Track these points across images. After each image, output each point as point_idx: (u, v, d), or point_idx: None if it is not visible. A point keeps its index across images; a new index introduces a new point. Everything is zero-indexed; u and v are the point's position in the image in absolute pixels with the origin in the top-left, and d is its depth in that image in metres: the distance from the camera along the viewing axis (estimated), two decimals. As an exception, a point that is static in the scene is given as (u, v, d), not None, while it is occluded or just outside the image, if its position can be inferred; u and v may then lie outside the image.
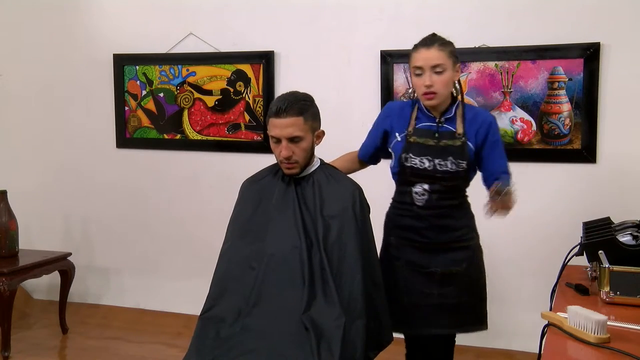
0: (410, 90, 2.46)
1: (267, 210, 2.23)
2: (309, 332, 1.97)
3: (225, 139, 3.93)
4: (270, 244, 2.16)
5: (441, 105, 2.32)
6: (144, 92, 4.10)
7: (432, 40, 2.27)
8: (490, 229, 3.50)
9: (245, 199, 2.31)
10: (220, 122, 3.96)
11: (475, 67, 3.45)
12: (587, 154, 3.31)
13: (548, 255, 2.84)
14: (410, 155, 2.32)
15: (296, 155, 2.18)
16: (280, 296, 2.07)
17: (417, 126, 2.35)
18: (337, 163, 2.49)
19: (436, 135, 2.31)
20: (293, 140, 2.16)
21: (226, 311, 2.11)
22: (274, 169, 2.33)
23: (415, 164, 2.31)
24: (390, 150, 2.43)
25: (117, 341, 3.78)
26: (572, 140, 3.34)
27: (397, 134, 2.38)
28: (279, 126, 2.16)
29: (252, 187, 2.33)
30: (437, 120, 2.34)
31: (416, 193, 2.33)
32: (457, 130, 2.31)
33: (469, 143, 2.31)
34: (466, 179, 2.36)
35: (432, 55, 2.24)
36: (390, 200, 2.48)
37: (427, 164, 2.30)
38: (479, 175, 2.41)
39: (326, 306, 2.03)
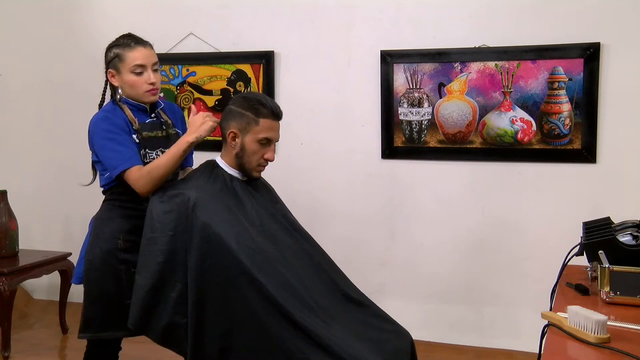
0: (119, 93, 2.31)
1: (246, 214, 2.15)
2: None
3: (225, 139, 3.92)
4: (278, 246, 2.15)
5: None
6: (144, 92, 4.10)
7: (143, 41, 2.31)
8: (490, 229, 3.53)
9: (210, 202, 2.11)
10: (220, 122, 3.95)
11: (475, 67, 3.45)
12: (587, 154, 3.31)
13: (548, 255, 2.84)
14: (147, 150, 2.29)
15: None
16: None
17: (140, 122, 2.30)
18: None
19: (163, 127, 2.36)
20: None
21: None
22: (205, 173, 2.20)
23: (153, 159, 2.27)
24: None
25: (117, 341, 3.78)
26: (572, 140, 3.34)
27: (133, 136, 2.29)
28: (278, 130, 2.19)
29: (205, 192, 2.14)
30: (151, 114, 2.36)
31: None
32: (168, 121, 2.39)
33: (178, 131, 2.41)
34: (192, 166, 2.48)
35: (151, 54, 2.30)
36: (117, 203, 2.37)
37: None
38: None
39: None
